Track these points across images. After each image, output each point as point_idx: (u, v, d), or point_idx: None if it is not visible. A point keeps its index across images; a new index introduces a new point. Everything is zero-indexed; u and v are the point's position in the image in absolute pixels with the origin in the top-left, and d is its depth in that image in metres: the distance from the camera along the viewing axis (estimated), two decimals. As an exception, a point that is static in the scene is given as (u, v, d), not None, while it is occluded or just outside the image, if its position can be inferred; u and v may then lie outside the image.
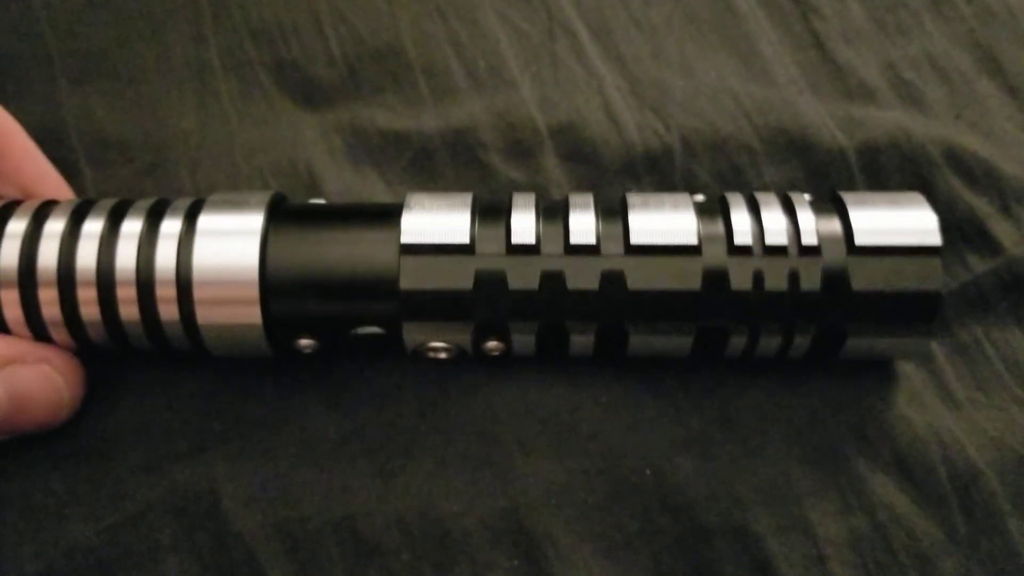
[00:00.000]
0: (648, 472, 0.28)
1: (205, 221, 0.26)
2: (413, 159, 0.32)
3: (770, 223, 0.26)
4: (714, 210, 0.27)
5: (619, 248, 0.26)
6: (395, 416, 0.29)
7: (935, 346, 0.30)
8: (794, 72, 0.33)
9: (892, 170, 0.31)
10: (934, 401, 0.29)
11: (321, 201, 0.30)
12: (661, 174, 0.32)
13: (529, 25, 0.34)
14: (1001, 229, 0.30)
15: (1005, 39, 0.33)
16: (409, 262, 0.26)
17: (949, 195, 0.30)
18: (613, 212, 0.27)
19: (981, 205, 0.30)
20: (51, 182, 0.30)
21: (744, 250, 0.26)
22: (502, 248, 0.26)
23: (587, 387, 0.29)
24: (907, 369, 0.29)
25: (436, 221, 0.26)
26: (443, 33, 0.34)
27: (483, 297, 0.26)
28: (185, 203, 0.27)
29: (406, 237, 0.26)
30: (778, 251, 0.26)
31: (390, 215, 0.27)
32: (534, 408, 0.29)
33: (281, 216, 0.27)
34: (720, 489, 0.28)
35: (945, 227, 0.30)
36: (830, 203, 0.27)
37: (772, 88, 0.33)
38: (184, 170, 0.32)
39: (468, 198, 0.27)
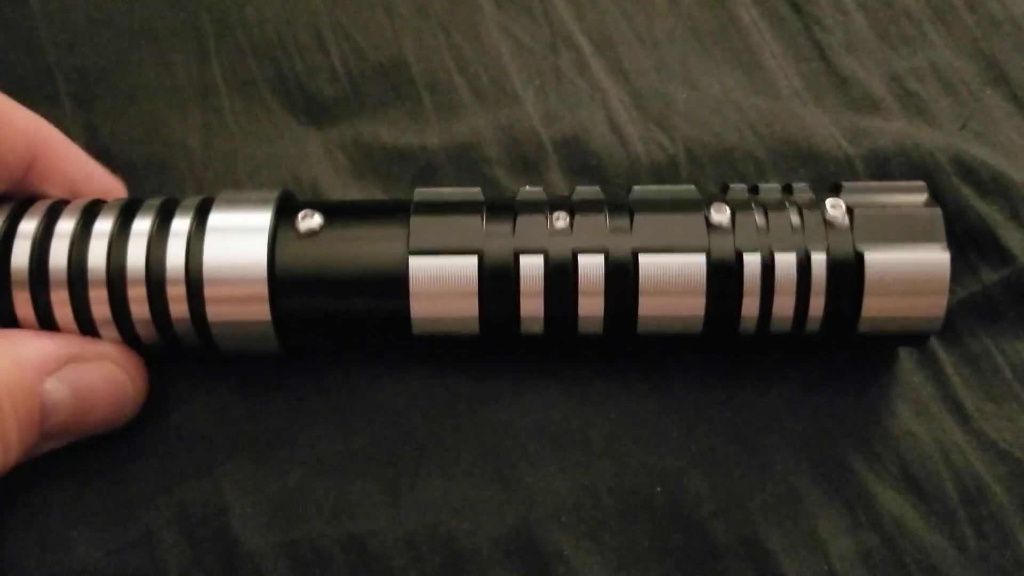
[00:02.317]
0: (659, 489, 0.28)
1: (214, 219, 0.27)
2: (418, 175, 0.32)
3: (767, 189, 0.28)
4: (717, 196, 0.28)
5: (626, 227, 0.27)
6: (403, 433, 0.29)
7: (943, 355, 0.30)
8: (798, 84, 0.33)
9: (900, 178, 0.31)
10: (942, 412, 0.29)
11: None
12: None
13: (532, 39, 0.34)
14: (1011, 238, 0.30)
15: (1009, 49, 0.33)
16: (418, 222, 0.27)
17: (958, 203, 0.30)
18: (620, 201, 0.28)
19: (991, 213, 0.30)
20: (99, 180, 0.30)
21: (744, 204, 0.27)
22: (510, 230, 0.26)
23: (596, 403, 0.29)
24: (915, 379, 0.29)
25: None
26: (446, 48, 0.34)
27: (492, 281, 0.26)
28: (193, 202, 0.28)
29: (418, 198, 0.27)
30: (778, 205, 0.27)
31: (398, 211, 0.27)
32: (543, 424, 0.29)
33: (289, 213, 0.27)
34: (730, 505, 0.28)
35: (954, 236, 0.30)
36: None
37: (776, 99, 0.33)
38: (188, 188, 0.32)
39: (477, 190, 0.28)
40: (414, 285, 0.26)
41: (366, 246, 0.27)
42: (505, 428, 0.29)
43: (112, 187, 0.30)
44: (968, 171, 0.31)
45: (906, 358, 0.29)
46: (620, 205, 0.27)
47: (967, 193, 0.30)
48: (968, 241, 0.30)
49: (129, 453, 0.28)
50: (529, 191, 0.28)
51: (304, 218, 0.27)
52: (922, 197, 0.27)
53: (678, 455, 0.28)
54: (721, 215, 0.26)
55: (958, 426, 0.29)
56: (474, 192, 0.28)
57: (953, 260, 0.26)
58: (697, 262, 0.26)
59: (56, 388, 0.26)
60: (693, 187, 0.28)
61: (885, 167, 0.31)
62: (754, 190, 0.28)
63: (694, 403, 0.29)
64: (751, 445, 0.28)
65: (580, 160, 0.32)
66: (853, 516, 0.28)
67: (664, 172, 0.32)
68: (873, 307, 0.26)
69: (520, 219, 0.27)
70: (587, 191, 0.28)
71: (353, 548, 0.27)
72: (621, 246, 0.26)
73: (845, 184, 0.28)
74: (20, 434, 0.25)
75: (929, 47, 0.34)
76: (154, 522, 0.28)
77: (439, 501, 0.28)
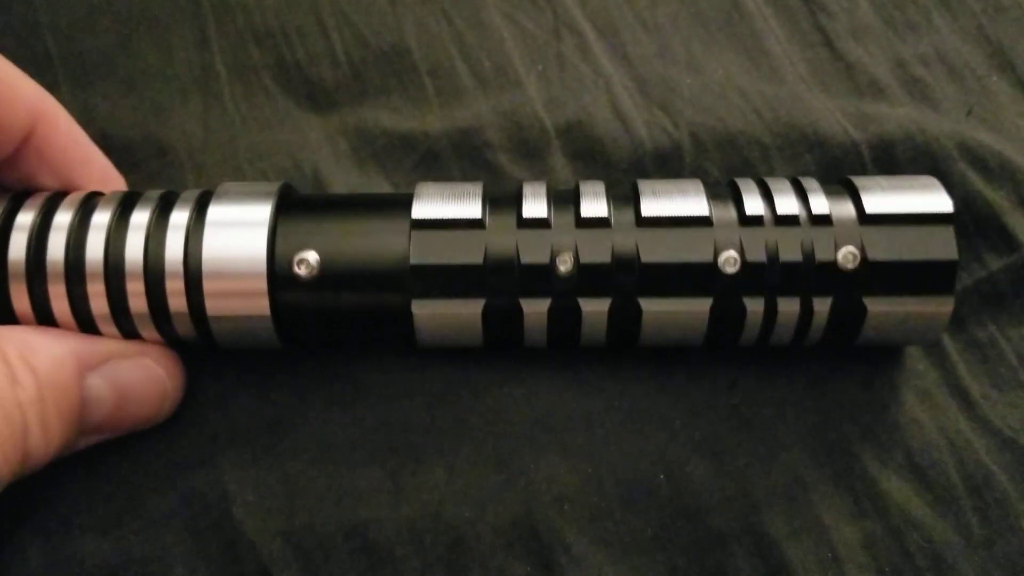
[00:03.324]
0: (662, 476, 0.28)
1: (214, 212, 0.26)
2: (419, 160, 0.32)
3: (780, 196, 0.26)
4: (724, 193, 0.27)
5: (631, 221, 0.26)
6: (405, 421, 0.29)
7: (949, 342, 0.29)
8: (803, 70, 0.33)
9: (906, 164, 0.31)
10: (946, 400, 0.29)
11: None
12: (671, 171, 0.31)
13: (535, 25, 0.34)
14: (1017, 224, 0.30)
15: (1015, 35, 0.33)
16: (419, 237, 0.26)
17: (965, 189, 0.30)
18: (624, 195, 0.27)
19: (997, 200, 0.30)
20: (98, 167, 0.30)
21: (756, 220, 0.26)
22: (513, 223, 0.26)
23: (599, 391, 0.29)
24: (919, 366, 0.29)
25: (446, 202, 0.26)
26: (448, 34, 0.34)
27: (494, 273, 0.26)
28: (193, 194, 0.27)
29: (417, 213, 0.26)
30: (790, 220, 0.26)
31: (399, 204, 0.27)
32: (546, 412, 0.29)
33: (289, 206, 0.27)
34: (734, 493, 0.28)
35: (961, 222, 0.30)
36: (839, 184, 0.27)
37: (781, 85, 0.33)
38: (188, 174, 0.32)
39: (479, 185, 0.27)
40: (417, 306, 0.26)
41: (365, 239, 0.27)
42: (508, 416, 0.29)
43: (111, 176, 0.30)
44: (974, 157, 0.30)
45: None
46: (624, 195, 0.27)
47: (973, 179, 0.30)
48: (974, 227, 0.30)
49: (132, 443, 0.28)
50: (532, 186, 0.28)
51: (300, 265, 0.26)
52: (940, 201, 0.26)
53: (682, 443, 0.28)
54: (730, 266, 0.26)
55: (963, 413, 0.29)
56: (475, 213, 0.26)
57: (959, 247, 0.26)
58: (701, 310, 0.26)
59: (97, 384, 0.26)
60: (700, 186, 0.27)
61: (891, 152, 0.31)
62: (762, 185, 0.27)
63: (698, 391, 0.29)
64: (755, 433, 0.28)
65: (583, 145, 0.32)
66: (857, 504, 0.27)
67: (668, 157, 0.31)
68: (872, 339, 0.27)
69: (523, 265, 0.26)
70: (591, 190, 0.27)
71: (355, 536, 0.27)
72: (625, 294, 0.26)
73: (856, 180, 0.27)
74: (61, 428, 0.25)
75: (934, 33, 0.33)
76: (157, 511, 0.28)
77: (442, 489, 0.28)
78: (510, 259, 0.26)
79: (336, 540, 0.27)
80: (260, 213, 0.26)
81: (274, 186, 0.27)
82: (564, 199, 0.27)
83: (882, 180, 0.27)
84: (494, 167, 0.32)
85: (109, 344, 0.27)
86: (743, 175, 0.31)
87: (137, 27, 0.34)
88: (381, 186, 0.32)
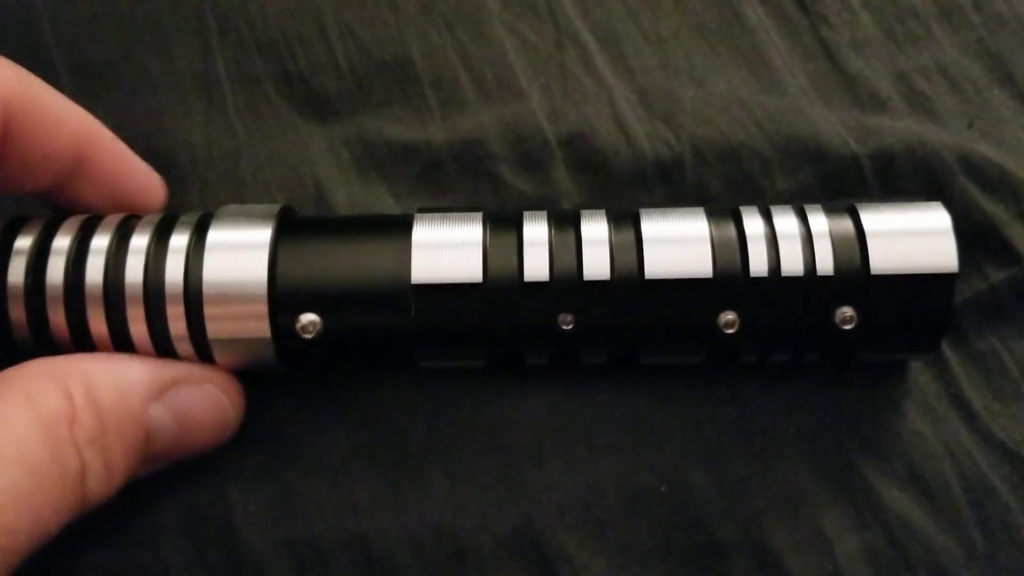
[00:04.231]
0: (663, 488, 0.28)
1: (214, 235, 0.26)
2: (422, 171, 0.32)
3: (785, 248, 0.26)
4: (730, 242, 0.26)
5: (634, 278, 0.26)
6: (406, 431, 0.29)
7: (950, 355, 0.29)
8: (804, 82, 0.33)
9: (907, 176, 0.31)
10: (948, 412, 0.29)
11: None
12: (672, 183, 0.31)
13: (537, 37, 0.34)
14: (1018, 236, 0.30)
15: (1016, 48, 0.33)
16: (420, 302, 0.26)
17: (965, 202, 0.30)
18: (628, 245, 0.26)
19: (998, 212, 0.30)
20: (143, 179, 0.30)
21: (758, 281, 0.26)
22: (514, 282, 0.26)
23: (600, 402, 0.29)
24: (920, 379, 0.29)
25: (445, 255, 0.26)
26: (450, 45, 0.34)
27: (495, 331, 0.26)
28: (192, 217, 0.27)
29: (417, 275, 0.26)
30: (793, 282, 0.26)
31: (399, 227, 0.27)
32: (547, 423, 0.29)
33: (290, 228, 0.27)
34: (736, 504, 0.28)
35: (962, 235, 0.30)
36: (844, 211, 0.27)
37: (783, 98, 0.33)
38: (191, 183, 0.32)
39: (478, 228, 0.27)
40: (421, 357, 0.26)
41: (366, 261, 0.27)
42: (509, 427, 0.29)
43: (154, 186, 0.30)
44: (975, 169, 0.30)
45: (912, 357, 0.29)
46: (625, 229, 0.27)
47: (974, 192, 0.30)
48: (975, 240, 0.30)
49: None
50: (532, 215, 0.27)
51: (304, 329, 0.26)
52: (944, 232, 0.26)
53: (683, 454, 0.28)
54: (729, 327, 0.26)
55: (965, 425, 0.29)
56: (475, 276, 0.26)
57: (960, 259, 0.26)
58: (698, 355, 0.27)
59: (160, 414, 0.26)
60: (707, 233, 0.27)
61: (892, 165, 0.31)
62: (766, 214, 0.27)
63: (699, 401, 0.29)
64: (756, 444, 0.28)
65: (586, 157, 0.32)
66: (859, 515, 0.27)
67: (670, 170, 0.31)
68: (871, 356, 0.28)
69: (525, 325, 0.26)
70: (592, 218, 0.27)
71: (356, 547, 0.27)
72: (626, 343, 0.27)
73: (860, 208, 0.27)
74: (124, 463, 0.24)
75: (935, 46, 0.33)
76: (158, 521, 0.28)
77: (442, 500, 0.28)
78: (511, 320, 0.26)
79: (336, 550, 0.27)
80: (260, 235, 0.26)
81: (275, 207, 0.28)
82: (566, 249, 0.27)
83: (896, 225, 0.27)
84: (496, 178, 0.32)
85: (174, 368, 0.26)
86: (744, 188, 0.31)
87: (140, 35, 0.34)
88: (383, 196, 0.32)
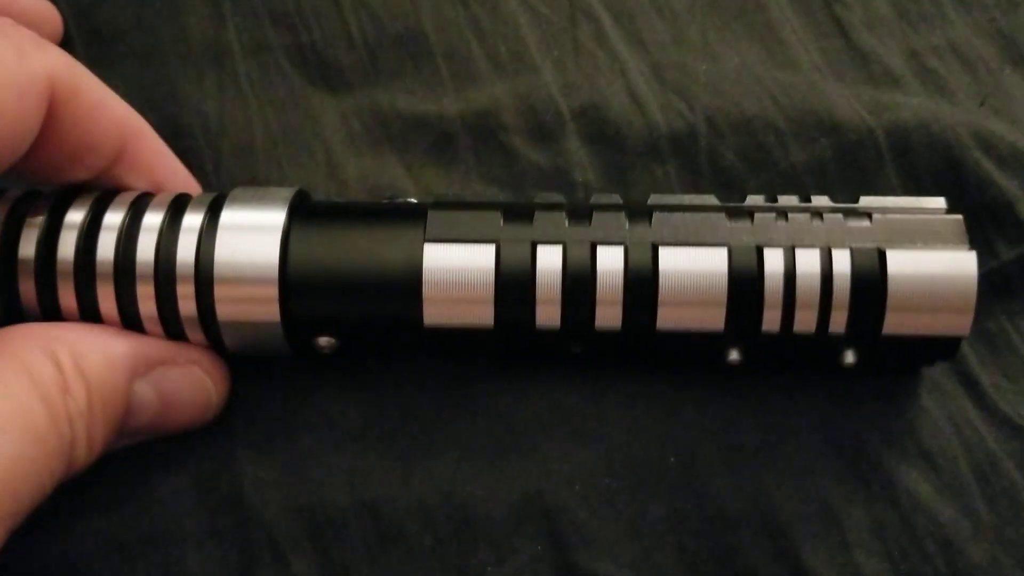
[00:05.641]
0: (672, 459, 0.28)
1: (227, 216, 0.26)
2: (434, 142, 0.32)
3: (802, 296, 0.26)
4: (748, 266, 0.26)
5: (645, 315, 0.26)
6: (417, 401, 0.29)
7: None
8: (818, 59, 0.33)
9: (921, 150, 0.31)
10: (956, 389, 0.29)
11: None
12: (686, 155, 0.31)
13: (550, 10, 0.34)
14: None
15: (1028, 28, 0.33)
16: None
17: (979, 177, 0.30)
18: (643, 270, 0.26)
19: (1011, 189, 0.30)
20: (180, 178, 0.30)
21: (768, 333, 0.26)
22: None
23: (610, 375, 0.29)
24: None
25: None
26: (464, 18, 0.34)
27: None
28: (206, 198, 0.27)
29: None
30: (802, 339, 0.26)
31: (414, 214, 0.27)
32: (557, 395, 0.29)
33: (303, 213, 0.27)
34: (743, 477, 0.28)
35: (974, 211, 0.30)
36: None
37: (796, 73, 0.33)
38: (203, 152, 0.32)
39: (491, 256, 0.26)
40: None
41: (379, 247, 0.27)
42: (519, 400, 0.29)
43: (187, 182, 0.30)
44: (989, 146, 0.30)
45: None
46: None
47: (988, 167, 0.30)
48: (987, 216, 0.30)
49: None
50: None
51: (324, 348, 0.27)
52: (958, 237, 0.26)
53: (692, 427, 0.28)
54: (734, 355, 0.27)
55: (972, 402, 0.29)
56: (486, 319, 0.26)
57: (971, 236, 0.26)
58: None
59: (144, 391, 0.26)
60: (725, 258, 0.26)
61: (906, 140, 0.31)
62: (791, 252, 0.26)
63: (708, 377, 0.29)
64: (765, 419, 0.28)
65: (598, 129, 0.32)
66: (867, 489, 0.28)
67: (683, 141, 0.31)
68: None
69: (536, 330, 0.26)
70: (608, 270, 0.26)
71: (366, 514, 0.27)
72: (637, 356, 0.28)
73: (869, 205, 0.27)
74: (104, 436, 0.25)
75: (948, 25, 0.33)
76: (168, 488, 0.28)
77: (452, 469, 0.28)
78: (522, 329, 0.26)
79: (347, 517, 0.27)
80: (274, 219, 0.26)
81: (289, 192, 0.27)
82: (581, 273, 0.26)
83: (918, 288, 0.26)
84: (509, 149, 0.32)
85: (161, 347, 0.26)
86: (758, 160, 0.31)
87: (153, 5, 0.34)
88: (394, 167, 0.32)
